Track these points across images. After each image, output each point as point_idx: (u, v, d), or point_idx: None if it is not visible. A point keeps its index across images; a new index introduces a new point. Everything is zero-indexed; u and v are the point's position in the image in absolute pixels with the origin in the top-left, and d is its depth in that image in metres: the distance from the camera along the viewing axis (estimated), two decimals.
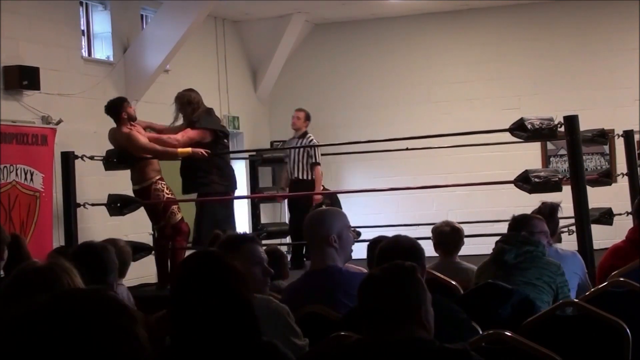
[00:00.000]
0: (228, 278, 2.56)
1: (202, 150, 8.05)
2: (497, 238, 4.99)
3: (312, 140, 9.97)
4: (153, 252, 8.34)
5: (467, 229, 5.88)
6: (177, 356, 2.52)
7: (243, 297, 2.56)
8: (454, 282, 4.86)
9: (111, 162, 7.74)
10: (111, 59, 10.72)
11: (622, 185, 8.71)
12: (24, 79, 8.97)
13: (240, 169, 13.21)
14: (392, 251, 3.69)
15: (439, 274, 5.02)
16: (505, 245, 4.62)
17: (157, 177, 8.16)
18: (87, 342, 1.33)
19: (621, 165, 9.49)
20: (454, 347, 2.55)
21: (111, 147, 8.20)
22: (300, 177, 9.93)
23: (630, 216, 6.75)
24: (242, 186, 13.11)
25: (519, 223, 5.00)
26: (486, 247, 5.01)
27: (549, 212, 5.37)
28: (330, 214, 4.20)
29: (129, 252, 5.13)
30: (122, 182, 9.45)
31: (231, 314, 2.50)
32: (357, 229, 6.31)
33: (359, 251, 5.73)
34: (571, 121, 6.48)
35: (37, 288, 2.43)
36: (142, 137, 8.07)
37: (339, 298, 3.89)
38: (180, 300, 2.55)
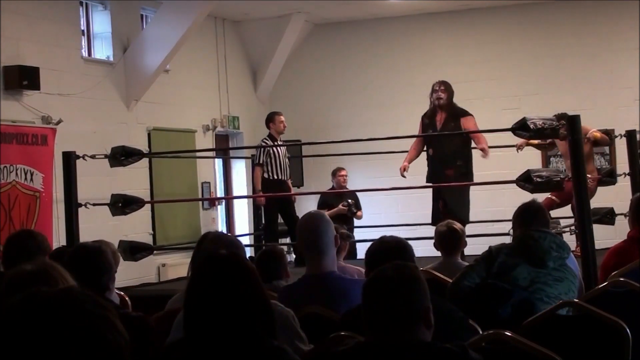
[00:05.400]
0: (245, 279, 2.55)
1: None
2: (498, 238, 4.94)
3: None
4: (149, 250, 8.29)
5: (467, 229, 5.87)
6: (189, 356, 2.51)
7: (262, 299, 2.55)
8: None
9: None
10: (111, 59, 10.72)
11: (623, 185, 8.71)
12: (24, 79, 8.97)
13: (241, 168, 13.23)
14: (380, 253, 3.66)
15: (439, 274, 5.01)
16: (551, 249, 4.28)
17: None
18: (67, 334, 1.34)
19: (621, 165, 9.49)
20: (454, 347, 2.54)
21: (109, 151, 8.08)
22: (287, 177, 9.91)
23: None
24: (244, 186, 13.12)
25: (539, 214, 4.65)
26: (486, 247, 4.96)
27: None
28: (326, 220, 4.17)
29: (118, 257, 5.16)
30: (121, 182, 9.45)
31: (249, 316, 2.49)
32: (347, 232, 6.27)
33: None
34: (573, 121, 6.48)
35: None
36: None
37: (339, 304, 3.86)
38: (197, 302, 2.53)
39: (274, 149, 9.59)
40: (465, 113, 8.75)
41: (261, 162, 9.62)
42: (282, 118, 9.83)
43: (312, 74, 13.70)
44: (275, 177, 9.61)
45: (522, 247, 4.36)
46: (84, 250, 3.89)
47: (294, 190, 10.34)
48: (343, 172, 10.63)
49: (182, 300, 4.13)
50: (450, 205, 8.48)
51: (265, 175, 9.61)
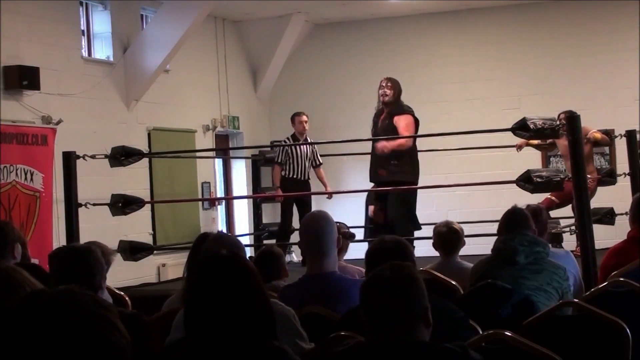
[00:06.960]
0: (246, 280, 2.55)
1: None
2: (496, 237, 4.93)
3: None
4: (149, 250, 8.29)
5: (467, 229, 5.87)
6: (189, 356, 2.51)
7: (263, 300, 2.55)
8: (454, 282, 4.86)
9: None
10: (111, 59, 10.72)
11: (622, 185, 8.70)
12: (24, 79, 8.97)
13: (241, 168, 13.23)
14: (379, 252, 3.66)
15: (438, 274, 5.01)
16: (519, 246, 4.48)
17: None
18: (70, 334, 1.35)
19: (621, 165, 9.49)
20: (454, 347, 2.54)
21: (109, 151, 8.07)
22: (307, 177, 10.01)
23: None
24: (244, 186, 13.12)
25: (518, 220, 4.80)
26: (486, 247, 4.97)
27: (531, 214, 5.27)
28: (329, 221, 4.17)
29: (110, 256, 5.14)
30: (121, 182, 9.45)
31: (250, 316, 2.49)
32: (351, 231, 6.25)
33: (357, 252, 5.72)
34: (573, 121, 6.47)
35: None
36: None
37: (340, 304, 3.85)
38: (198, 302, 2.54)
39: (293, 148, 9.77)
40: (401, 111, 8.57)
41: (280, 160, 9.84)
42: (303, 118, 9.94)
43: (312, 74, 13.70)
44: (292, 176, 9.78)
45: (494, 253, 4.66)
46: (74, 252, 3.88)
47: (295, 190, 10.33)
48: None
49: (178, 302, 4.16)
50: (390, 216, 8.35)
51: (283, 173, 9.83)
